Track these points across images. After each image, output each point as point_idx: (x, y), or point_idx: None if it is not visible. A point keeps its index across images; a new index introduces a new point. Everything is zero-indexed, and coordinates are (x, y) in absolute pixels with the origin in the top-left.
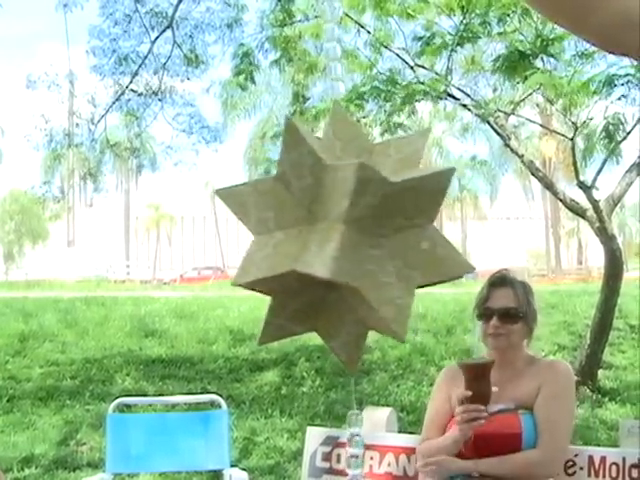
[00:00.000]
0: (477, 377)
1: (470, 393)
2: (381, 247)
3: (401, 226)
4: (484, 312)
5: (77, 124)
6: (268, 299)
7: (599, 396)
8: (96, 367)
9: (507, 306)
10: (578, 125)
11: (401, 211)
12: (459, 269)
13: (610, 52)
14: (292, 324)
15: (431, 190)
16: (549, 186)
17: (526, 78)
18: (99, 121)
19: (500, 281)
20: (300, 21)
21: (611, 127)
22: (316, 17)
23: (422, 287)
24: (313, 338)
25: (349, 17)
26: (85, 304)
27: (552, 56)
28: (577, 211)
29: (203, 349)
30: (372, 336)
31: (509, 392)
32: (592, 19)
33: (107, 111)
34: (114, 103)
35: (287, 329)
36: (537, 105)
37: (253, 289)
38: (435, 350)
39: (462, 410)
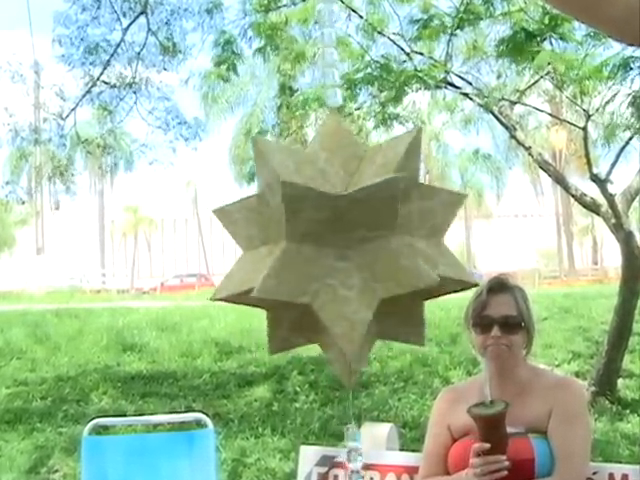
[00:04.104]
0: (493, 426)
1: (488, 446)
2: (346, 259)
3: (364, 237)
4: (482, 321)
5: (44, 119)
6: (258, 310)
7: (619, 408)
8: (69, 385)
9: (508, 314)
10: (590, 113)
11: (360, 222)
12: (421, 280)
13: (621, 42)
14: (293, 336)
15: (382, 199)
16: (560, 180)
17: (533, 59)
18: (68, 115)
19: (499, 287)
20: (286, 6)
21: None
22: (303, 1)
23: (388, 301)
24: (307, 349)
25: (340, 1)
26: (57, 317)
27: (561, 37)
28: (591, 207)
29: (187, 363)
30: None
31: (517, 412)
32: (602, 10)
33: (77, 105)
34: (84, 96)
35: (291, 340)
36: (545, 92)
37: (235, 303)
38: (439, 360)
39: (481, 463)
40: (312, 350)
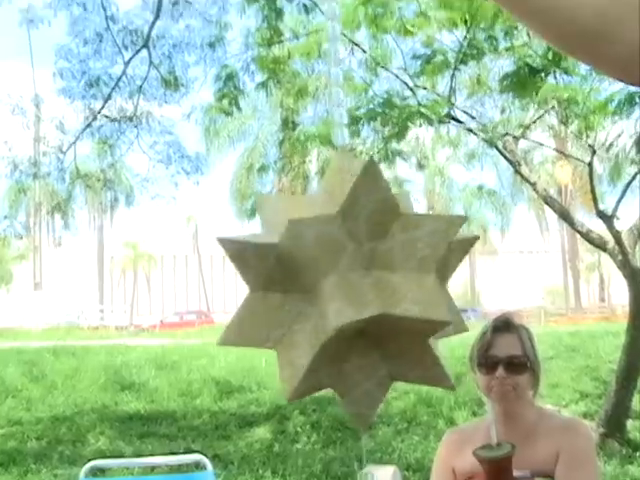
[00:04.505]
0: (500, 470)
1: None
2: (311, 303)
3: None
4: (487, 361)
5: (44, 152)
6: (259, 350)
7: (629, 450)
8: (66, 426)
9: (514, 354)
10: (596, 148)
11: (305, 266)
12: (360, 313)
13: (621, 82)
14: (319, 379)
15: (317, 242)
16: (565, 216)
17: (536, 93)
18: (68, 149)
19: (505, 326)
20: (289, 40)
21: None
22: (307, 35)
23: (392, 342)
24: None
25: (342, 34)
26: (53, 355)
27: (565, 71)
28: (597, 243)
29: (186, 403)
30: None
31: (524, 455)
32: (601, 49)
33: (77, 138)
34: (85, 130)
35: (316, 384)
36: (550, 127)
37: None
38: (443, 400)
39: None
40: None
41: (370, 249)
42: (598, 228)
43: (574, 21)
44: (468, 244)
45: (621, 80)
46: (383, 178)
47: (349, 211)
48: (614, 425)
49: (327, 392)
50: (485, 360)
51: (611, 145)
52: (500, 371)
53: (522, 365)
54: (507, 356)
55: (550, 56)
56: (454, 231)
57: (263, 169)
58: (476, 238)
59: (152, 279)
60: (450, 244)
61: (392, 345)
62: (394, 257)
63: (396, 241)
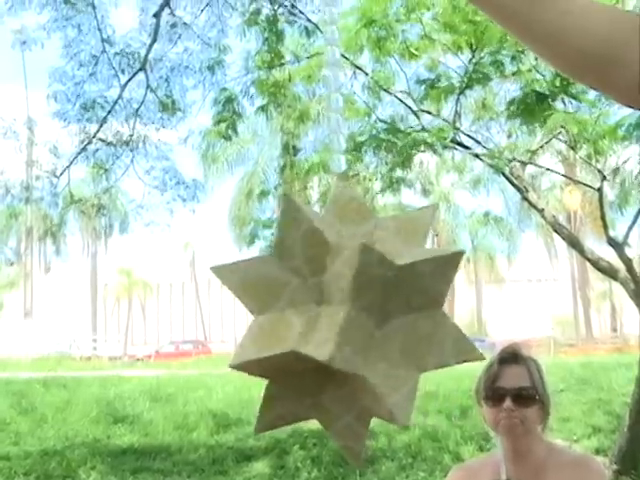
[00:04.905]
0: None
1: None
2: (388, 331)
3: (408, 309)
4: (494, 393)
5: (37, 176)
6: (258, 380)
7: None
8: (56, 460)
9: (522, 386)
10: (606, 174)
11: (406, 295)
12: (466, 355)
13: (631, 108)
14: (292, 410)
15: (436, 274)
16: (575, 244)
17: (545, 121)
18: (62, 173)
19: (512, 357)
20: (290, 63)
21: None
22: (308, 58)
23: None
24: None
25: (344, 58)
26: (44, 386)
27: (574, 97)
28: (608, 272)
29: (182, 436)
30: (376, 419)
31: None
32: (613, 75)
33: (71, 162)
34: (79, 154)
35: (288, 416)
36: (558, 152)
37: (252, 373)
38: (449, 434)
39: None
40: (315, 422)
41: (315, 283)
42: (609, 255)
43: (580, 46)
44: (451, 263)
45: (629, 106)
46: (303, 211)
47: (281, 249)
48: (628, 461)
49: None
50: (492, 392)
51: (617, 170)
52: (507, 403)
53: (530, 397)
54: (515, 388)
55: (558, 82)
56: (455, 265)
57: (263, 194)
58: (461, 253)
59: (147, 307)
60: (425, 265)
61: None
62: (330, 290)
63: (331, 273)
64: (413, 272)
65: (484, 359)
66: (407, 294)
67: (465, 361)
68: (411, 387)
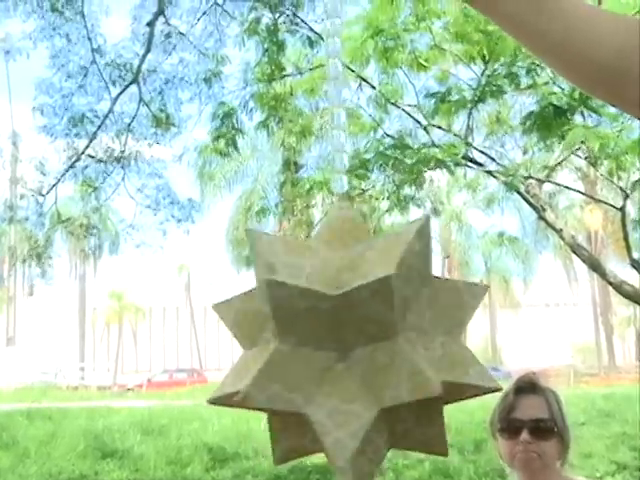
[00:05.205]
0: None
1: None
2: (350, 364)
3: (366, 340)
4: (509, 425)
5: (21, 195)
6: (257, 413)
7: None
8: None
9: (539, 417)
10: (628, 191)
11: (358, 324)
12: (421, 391)
13: None
14: (300, 442)
15: (383, 298)
16: (596, 266)
17: (563, 136)
18: (49, 192)
19: (529, 387)
20: (291, 75)
21: None
22: (310, 70)
23: (388, 408)
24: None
25: (349, 69)
26: (27, 418)
27: (594, 110)
28: (632, 296)
29: (175, 472)
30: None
31: None
32: (626, 88)
33: (58, 180)
34: (67, 171)
35: (299, 448)
36: (578, 169)
37: (236, 407)
38: (461, 470)
39: None
40: (317, 456)
41: (400, 311)
42: (632, 279)
43: (591, 57)
44: (477, 292)
45: None
46: (262, 248)
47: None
48: None
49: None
50: (507, 424)
51: (636, 184)
52: (524, 435)
53: (549, 430)
54: (532, 419)
55: (577, 94)
56: (481, 298)
57: (262, 212)
58: (388, 277)
59: (139, 333)
60: (362, 291)
61: (403, 408)
62: (422, 323)
63: (424, 305)
64: (352, 300)
65: (436, 394)
66: (358, 324)
67: (422, 397)
68: (362, 423)
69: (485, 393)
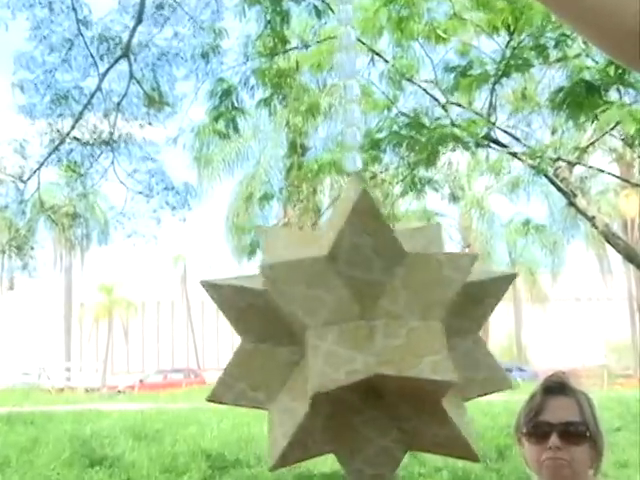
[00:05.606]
0: None
1: None
2: (452, 350)
3: (453, 332)
4: (537, 428)
5: (0, 181)
6: (259, 414)
7: None
8: None
9: (570, 420)
10: None
11: (457, 315)
12: (502, 384)
13: (618, 62)
14: (314, 442)
15: (489, 295)
16: (632, 257)
17: (596, 117)
18: (30, 177)
19: (559, 387)
20: (296, 48)
21: None
22: (317, 42)
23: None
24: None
25: (361, 42)
26: (7, 423)
27: (631, 86)
28: None
29: None
30: None
31: None
32: (608, 21)
33: (41, 165)
34: (50, 155)
35: (308, 449)
36: (612, 150)
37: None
38: (483, 479)
39: None
40: (324, 464)
41: (369, 295)
42: None
43: (626, 22)
44: (503, 284)
45: (617, 60)
46: (381, 215)
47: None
48: None
49: (339, 468)
50: (535, 427)
51: None
52: (553, 440)
53: (580, 434)
54: (562, 422)
55: (612, 70)
56: (467, 268)
57: (265, 198)
58: (513, 276)
59: (131, 330)
60: (482, 284)
61: (403, 405)
62: (397, 304)
63: (397, 286)
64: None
65: (328, 390)
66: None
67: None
68: (295, 421)
69: (445, 389)
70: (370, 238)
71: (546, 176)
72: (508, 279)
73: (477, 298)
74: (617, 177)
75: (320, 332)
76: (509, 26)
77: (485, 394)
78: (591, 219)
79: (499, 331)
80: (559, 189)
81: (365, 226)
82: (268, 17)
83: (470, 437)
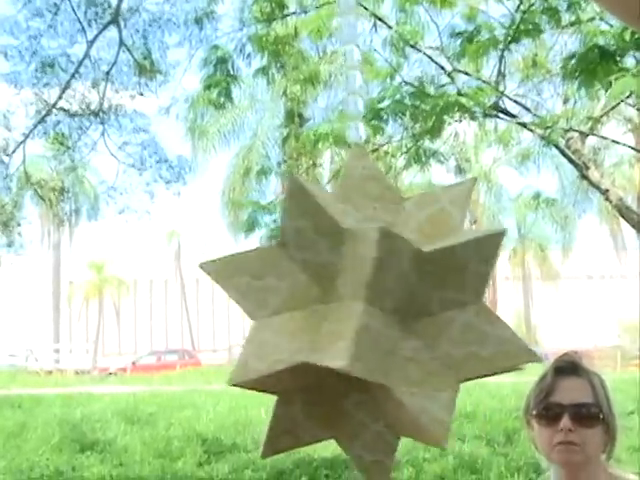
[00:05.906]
0: None
1: None
2: (420, 332)
3: (441, 305)
4: (548, 410)
5: None
6: (256, 397)
7: None
8: None
9: (582, 401)
10: None
11: (438, 287)
12: (519, 358)
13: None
14: (304, 429)
15: (473, 260)
16: None
17: (610, 84)
18: (15, 150)
19: (570, 367)
20: (295, 14)
21: None
22: (317, 8)
23: (469, 380)
24: (319, 449)
25: (362, 6)
26: None
27: None
28: None
29: (164, 467)
30: (402, 446)
31: None
32: None
33: (26, 137)
34: (36, 126)
35: (299, 436)
36: (627, 120)
37: (255, 389)
38: (490, 464)
39: None
40: (325, 449)
41: (325, 278)
42: None
43: None
44: (489, 245)
45: (619, 18)
46: (312, 194)
47: (287, 239)
48: None
49: (340, 453)
50: (545, 409)
51: None
52: (565, 421)
53: (593, 417)
54: (574, 404)
55: (627, 35)
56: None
57: (263, 172)
58: (501, 234)
59: (122, 310)
60: (454, 250)
61: (377, 388)
62: (346, 285)
63: (347, 266)
64: (444, 260)
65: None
66: (441, 287)
67: (512, 368)
68: (450, 399)
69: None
70: (308, 220)
71: (557, 147)
72: (493, 239)
73: (457, 265)
74: (632, 148)
75: (262, 323)
76: None
77: (497, 372)
78: (604, 192)
79: (507, 310)
80: (571, 161)
81: (301, 209)
82: None
83: (437, 422)
